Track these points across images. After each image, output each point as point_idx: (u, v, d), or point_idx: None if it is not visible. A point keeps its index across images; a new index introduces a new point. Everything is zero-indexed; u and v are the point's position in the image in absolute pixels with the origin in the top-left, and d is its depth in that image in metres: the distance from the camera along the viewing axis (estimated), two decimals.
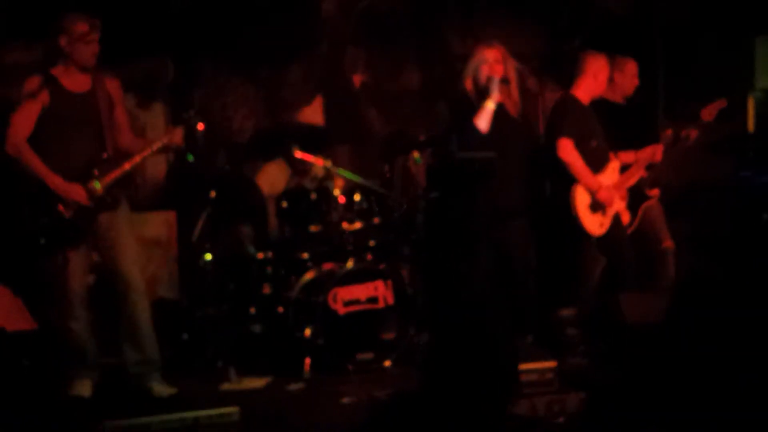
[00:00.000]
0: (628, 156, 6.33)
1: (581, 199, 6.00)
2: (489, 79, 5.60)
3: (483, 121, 5.55)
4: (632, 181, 6.28)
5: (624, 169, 6.26)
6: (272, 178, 6.92)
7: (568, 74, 6.29)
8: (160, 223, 7.17)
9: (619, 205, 6.16)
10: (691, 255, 6.78)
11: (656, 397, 4.59)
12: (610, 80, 6.33)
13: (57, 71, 5.23)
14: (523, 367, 4.75)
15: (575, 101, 6.14)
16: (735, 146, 7.18)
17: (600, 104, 6.29)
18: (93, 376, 5.38)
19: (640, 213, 6.48)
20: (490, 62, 5.69)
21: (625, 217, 6.33)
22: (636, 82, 6.65)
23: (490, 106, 5.56)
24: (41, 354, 5.54)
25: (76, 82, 5.26)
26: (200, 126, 5.52)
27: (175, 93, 7.36)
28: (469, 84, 5.76)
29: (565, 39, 8.10)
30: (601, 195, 5.99)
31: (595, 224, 6.05)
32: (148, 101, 7.28)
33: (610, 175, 6.15)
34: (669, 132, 6.38)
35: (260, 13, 7.26)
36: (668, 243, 6.61)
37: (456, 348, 4.60)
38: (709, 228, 7.31)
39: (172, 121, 5.60)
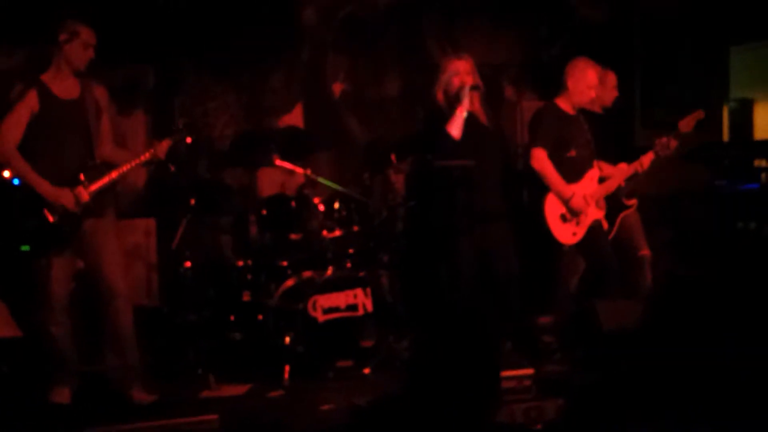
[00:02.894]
0: (609, 168, 6.39)
1: (552, 208, 6.09)
2: (460, 87, 5.67)
3: (455, 128, 5.63)
4: (610, 190, 6.33)
5: (603, 179, 6.31)
6: (272, 180, 6.93)
7: (553, 83, 6.33)
8: (140, 231, 7.16)
9: (596, 214, 6.20)
10: (667, 262, 6.84)
11: (633, 403, 4.63)
12: (599, 85, 6.36)
13: (46, 77, 5.25)
14: (502, 374, 4.78)
15: (555, 110, 6.19)
16: (710, 155, 7.24)
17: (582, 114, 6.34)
18: (73, 383, 5.37)
19: (618, 222, 6.53)
20: (461, 73, 5.77)
21: (605, 226, 6.38)
22: (615, 93, 6.70)
23: (461, 113, 5.62)
24: (21, 361, 5.55)
25: (65, 88, 5.28)
26: (188, 139, 5.55)
27: (155, 100, 7.37)
28: (440, 95, 5.82)
29: (544, 48, 8.16)
30: (574, 202, 6.04)
31: (567, 233, 6.10)
32: (129, 109, 7.28)
33: (588, 183, 6.19)
34: (663, 139, 6.39)
35: (241, 20, 7.28)
36: (645, 251, 6.66)
37: (438, 354, 4.62)
38: (686, 236, 7.37)
39: (161, 132, 5.60)
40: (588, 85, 6.20)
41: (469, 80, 5.72)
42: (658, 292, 6.37)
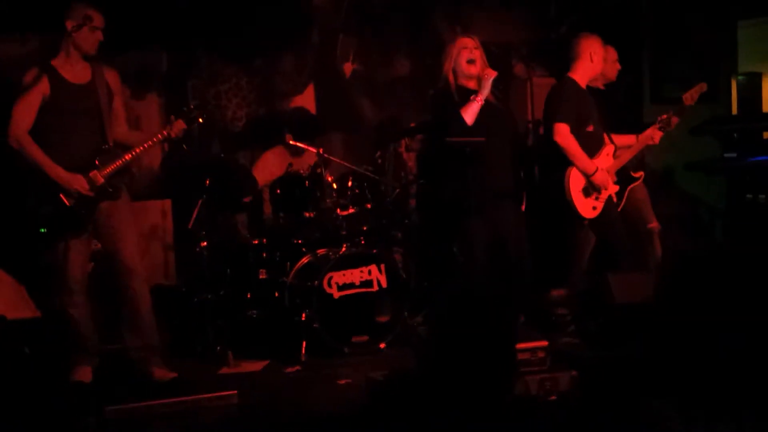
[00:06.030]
0: (623, 139, 6.42)
1: (575, 182, 6.06)
2: (483, 77, 5.71)
3: (469, 115, 5.66)
4: (621, 164, 6.37)
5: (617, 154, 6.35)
6: (270, 165, 6.98)
7: (563, 59, 6.34)
8: (156, 212, 7.23)
9: (612, 189, 6.24)
10: (677, 236, 6.87)
11: (646, 375, 4.67)
12: (605, 61, 6.40)
13: (57, 62, 5.27)
14: (516, 346, 4.82)
15: (573, 85, 6.17)
16: (719, 128, 7.26)
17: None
18: (93, 363, 5.44)
19: (625, 195, 6.56)
20: (469, 48, 5.81)
21: (615, 199, 6.43)
22: (618, 67, 6.72)
23: (479, 101, 5.66)
24: (42, 341, 5.62)
25: (76, 73, 5.30)
26: (200, 119, 5.59)
27: (169, 84, 7.42)
28: (450, 74, 5.85)
29: (553, 25, 8.17)
30: (597, 178, 6.06)
31: (587, 207, 6.10)
32: (142, 92, 7.31)
33: (605, 159, 6.20)
34: (665, 116, 6.43)
35: (252, 2, 7.30)
36: (654, 224, 6.69)
37: (452, 328, 4.67)
38: (695, 209, 7.40)
39: (173, 114, 5.63)
40: (598, 59, 6.22)
41: (477, 55, 5.78)
42: (668, 265, 6.40)
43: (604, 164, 6.18)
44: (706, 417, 4.08)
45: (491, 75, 5.69)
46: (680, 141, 7.03)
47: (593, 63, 6.19)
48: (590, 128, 6.14)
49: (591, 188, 6.09)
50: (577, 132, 6.05)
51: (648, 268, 6.47)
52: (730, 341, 4.64)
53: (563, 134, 6.00)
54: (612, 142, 6.30)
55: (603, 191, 6.13)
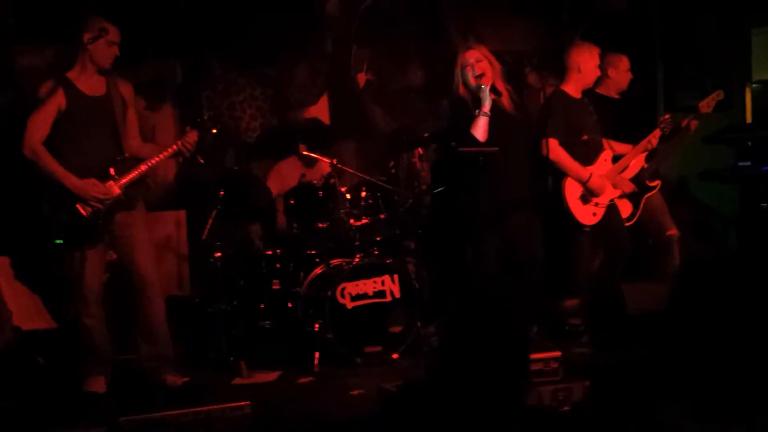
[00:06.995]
0: (623, 146, 6.42)
1: (571, 190, 6.11)
2: (480, 89, 5.71)
3: (479, 132, 5.67)
4: (633, 171, 6.37)
5: (617, 158, 6.34)
6: (284, 176, 7.00)
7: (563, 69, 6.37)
8: (170, 223, 7.25)
9: (613, 193, 6.24)
10: (691, 244, 6.85)
11: (659, 383, 4.65)
12: (602, 69, 6.38)
13: (72, 74, 5.31)
14: (529, 357, 4.81)
15: (563, 97, 6.22)
16: (734, 137, 7.24)
17: (596, 99, 6.37)
18: (107, 373, 5.45)
19: (641, 204, 6.56)
20: (473, 63, 5.81)
21: (626, 208, 6.42)
22: (630, 76, 6.72)
23: (483, 117, 5.67)
24: (57, 351, 5.65)
25: (91, 85, 5.34)
26: (213, 130, 5.61)
27: (183, 95, 7.45)
28: (461, 88, 5.86)
29: (566, 34, 8.17)
30: (592, 183, 6.08)
31: (587, 214, 6.13)
32: (157, 103, 7.35)
33: (602, 165, 6.23)
34: (667, 116, 6.43)
35: (266, 13, 7.33)
36: (673, 231, 6.69)
37: (465, 338, 4.66)
38: (710, 218, 7.37)
39: (187, 125, 5.66)
40: (587, 69, 6.22)
41: (482, 67, 5.77)
42: (683, 273, 6.37)
43: (601, 170, 6.20)
44: (720, 425, 4.06)
45: (487, 84, 5.70)
46: (694, 150, 7.02)
47: (581, 73, 6.20)
48: (585, 137, 6.16)
49: (589, 195, 6.11)
50: (571, 142, 6.10)
51: (665, 276, 6.46)
52: (744, 349, 4.63)
53: (552, 148, 6.07)
54: (610, 147, 6.32)
55: (602, 197, 6.14)
